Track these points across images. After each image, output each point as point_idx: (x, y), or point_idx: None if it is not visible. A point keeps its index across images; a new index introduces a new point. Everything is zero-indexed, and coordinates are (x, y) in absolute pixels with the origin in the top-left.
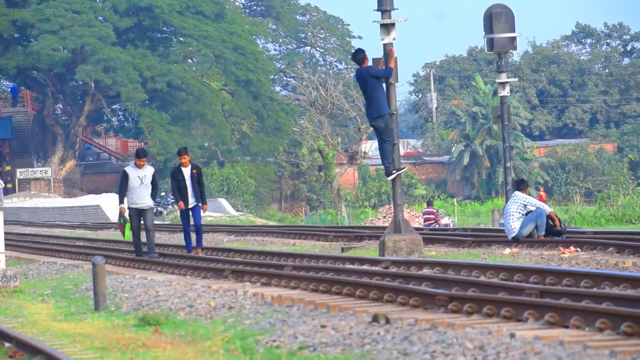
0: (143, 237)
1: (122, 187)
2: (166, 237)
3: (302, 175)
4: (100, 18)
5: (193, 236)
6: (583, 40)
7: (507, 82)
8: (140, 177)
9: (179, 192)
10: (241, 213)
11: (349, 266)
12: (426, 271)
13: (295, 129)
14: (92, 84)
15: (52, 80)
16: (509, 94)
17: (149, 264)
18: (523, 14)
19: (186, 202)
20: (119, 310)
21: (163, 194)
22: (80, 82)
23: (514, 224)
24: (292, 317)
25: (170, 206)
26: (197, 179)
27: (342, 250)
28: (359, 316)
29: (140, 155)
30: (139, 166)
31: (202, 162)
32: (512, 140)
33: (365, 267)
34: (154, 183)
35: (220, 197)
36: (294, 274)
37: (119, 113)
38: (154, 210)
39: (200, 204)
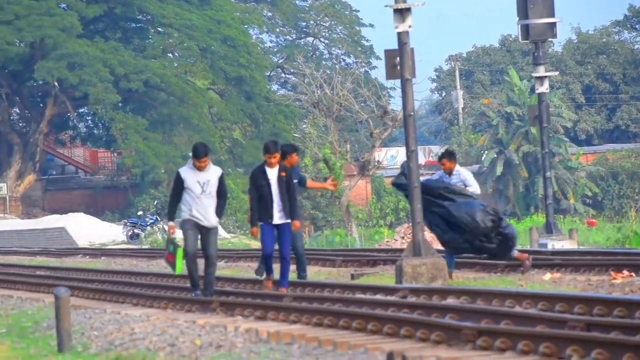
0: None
1: (173, 197)
2: (144, 265)
3: (305, 189)
4: (63, 5)
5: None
6: (638, 26)
7: (546, 77)
8: (202, 182)
9: (260, 204)
10: (233, 235)
11: (359, 296)
12: (451, 301)
13: (296, 135)
14: (55, 84)
15: (6, 79)
16: (548, 91)
17: (123, 296)
18: None
19: (270, 217)
20: (87, 351)
21: (140, 212)
22: (41, 82)
23: None
24: (292, 357)
25: (149, 227)
26: (286, 185)
27: (352, 277)
28: (371, 354)
29: (200, 153)
30: (199, 168)
31: None
32: (554, 146)
33: (379, 296)
34: (221, 192)
35: None
36: (295, 306)
37: (87, 118)
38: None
39: (290, 221)
